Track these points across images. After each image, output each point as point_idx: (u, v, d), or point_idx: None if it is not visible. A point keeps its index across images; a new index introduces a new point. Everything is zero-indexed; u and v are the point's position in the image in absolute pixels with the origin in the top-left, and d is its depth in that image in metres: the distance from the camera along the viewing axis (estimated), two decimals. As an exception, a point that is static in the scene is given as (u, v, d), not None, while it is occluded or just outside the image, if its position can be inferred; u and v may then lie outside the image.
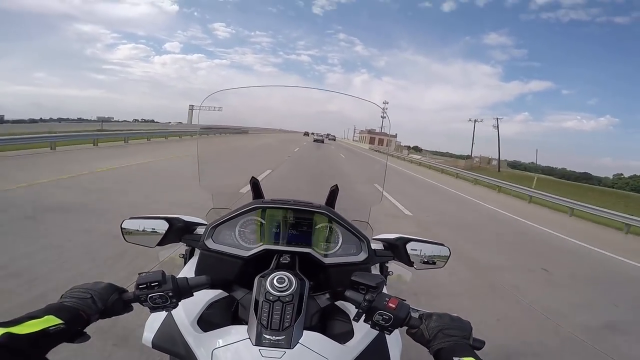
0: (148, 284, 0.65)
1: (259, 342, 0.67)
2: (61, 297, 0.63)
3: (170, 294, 0.66)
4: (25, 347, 0.50)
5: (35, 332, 0.52)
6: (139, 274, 0.68)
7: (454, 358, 0.58)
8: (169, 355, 0.84)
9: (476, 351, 0.61)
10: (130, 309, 0.69)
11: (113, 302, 0.65)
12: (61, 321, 0.55)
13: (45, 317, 0.55)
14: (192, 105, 47.92)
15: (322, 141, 19.93)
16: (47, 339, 0.53)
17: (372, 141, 58.84)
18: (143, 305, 0.67)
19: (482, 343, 0.65)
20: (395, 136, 64.60)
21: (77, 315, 0.59)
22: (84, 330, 0.62)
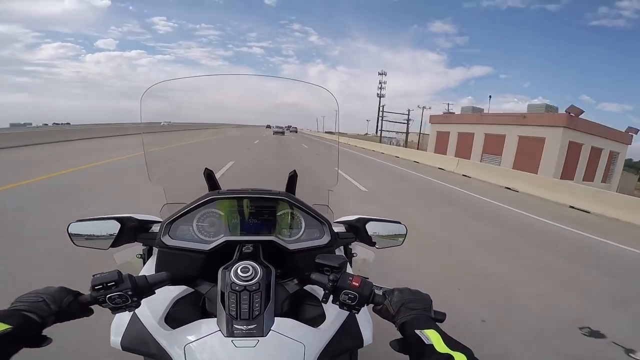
0: (104, 285, 0.63)
1: (230, 332, 0.67)
2: (11, 304, 0.60)
3: (130, 292, 0.64)
4: None
5: None
6: (93, 275, 0.64)
7: (415, 331, 0.60)
8: (142, 357, 0.82)
9: (438, 323, 0.63)
10: (90, 312, 0.67)
11: (68, 303, 0.63)
12: (8, 326, 0.53)
13: None
14: None
15: (283, 133, 19.46)
16: (1, 345, 0.52)
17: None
18: (102, 307, 0.64)
19: (444, 315, 0.68)
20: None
21: (28, 319, 0.57)
22: (44, 334, 0.60)
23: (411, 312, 0.66)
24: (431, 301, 0.70)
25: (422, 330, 0.60)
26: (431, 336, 0.58)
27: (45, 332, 0.60)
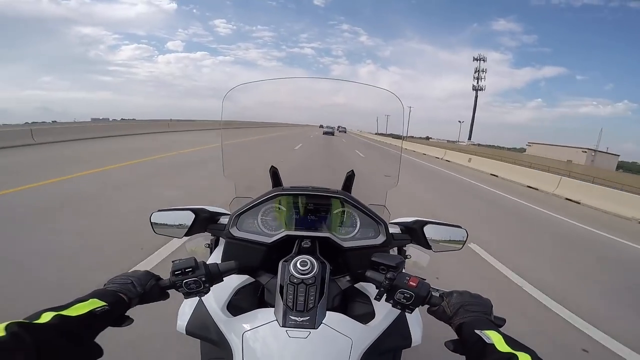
0: (182, 270, 0.70)
1: (285, 323, 0.70)
2: (104, 285, 0.68)
3: (204, 279, 0.70)
4: (76, 328, 0.53)
5: (83, 314, 0.55)
6: (172, 261, 0.72)
7: (475, 331, 0.59)
8: (199, 341, 0.88)
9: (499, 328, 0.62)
10: (166, 296, 0.74)
11: (151, 287, 0.70)
12: (105, 303, 0.59)
13: (90, 300, 0.59)
14: None
15: (332, 133, 19.67)
16: (94, 321, 0.57)
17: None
18: (178, 291, 0.71)
19: (503, 321, 0.66)
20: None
21: (119, 299, 0.64)
22: (127, 315, 0.66)
23: (470, 314, 0.65)
24: (492, 305, 0.68)
25: (483, 331, 0.59)
26: (492, 336, 0.57)
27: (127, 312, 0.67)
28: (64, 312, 0.53)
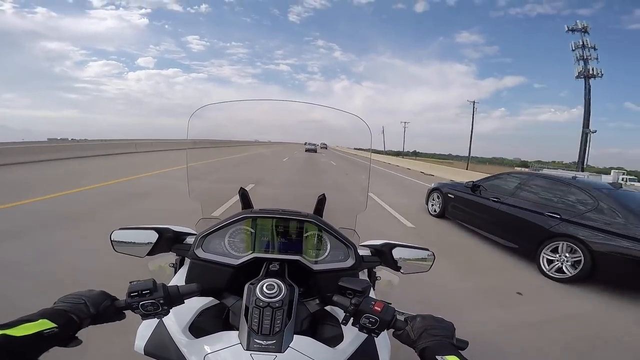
0: (139, 292, 0.67)
1: (249, 346, 0.68)
2: (54, 303, 0.64)
3: (162, 301, 0.68)
4: (19, 349, 0.51)
5: (30, 334, 0.53)
6: (130, 282, 0.69)
7: (437, 357, 0.60)
8: None
9: (460, 351, 0.63)
10: (122, 316, 0.70)
11: (105, 308, 0.66)
12: (55, 325, 0.57)
13: (40, 320, 0.56)
14: None
15: (315, 150, 19.79)
16: (40, 342, 0.54)
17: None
18: (135, 313, 0.68)
19: (466, 343, 0.67)
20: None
21: (70, 320, 0.60)
22: (76, 335, 0.62)
23: (433, 338, 0.66)
24: (454, 329, 0.69)
25: (444, 356, 0.60)
26: None
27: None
28: (9, 332, 0.51)
